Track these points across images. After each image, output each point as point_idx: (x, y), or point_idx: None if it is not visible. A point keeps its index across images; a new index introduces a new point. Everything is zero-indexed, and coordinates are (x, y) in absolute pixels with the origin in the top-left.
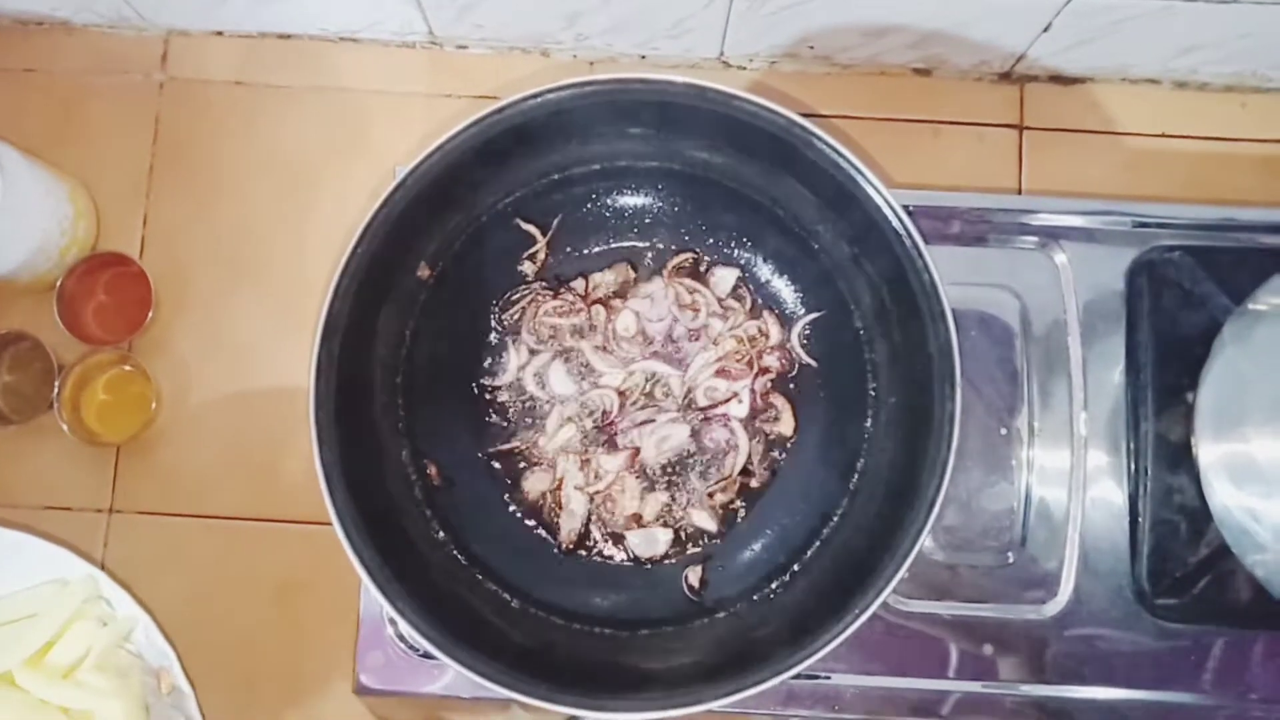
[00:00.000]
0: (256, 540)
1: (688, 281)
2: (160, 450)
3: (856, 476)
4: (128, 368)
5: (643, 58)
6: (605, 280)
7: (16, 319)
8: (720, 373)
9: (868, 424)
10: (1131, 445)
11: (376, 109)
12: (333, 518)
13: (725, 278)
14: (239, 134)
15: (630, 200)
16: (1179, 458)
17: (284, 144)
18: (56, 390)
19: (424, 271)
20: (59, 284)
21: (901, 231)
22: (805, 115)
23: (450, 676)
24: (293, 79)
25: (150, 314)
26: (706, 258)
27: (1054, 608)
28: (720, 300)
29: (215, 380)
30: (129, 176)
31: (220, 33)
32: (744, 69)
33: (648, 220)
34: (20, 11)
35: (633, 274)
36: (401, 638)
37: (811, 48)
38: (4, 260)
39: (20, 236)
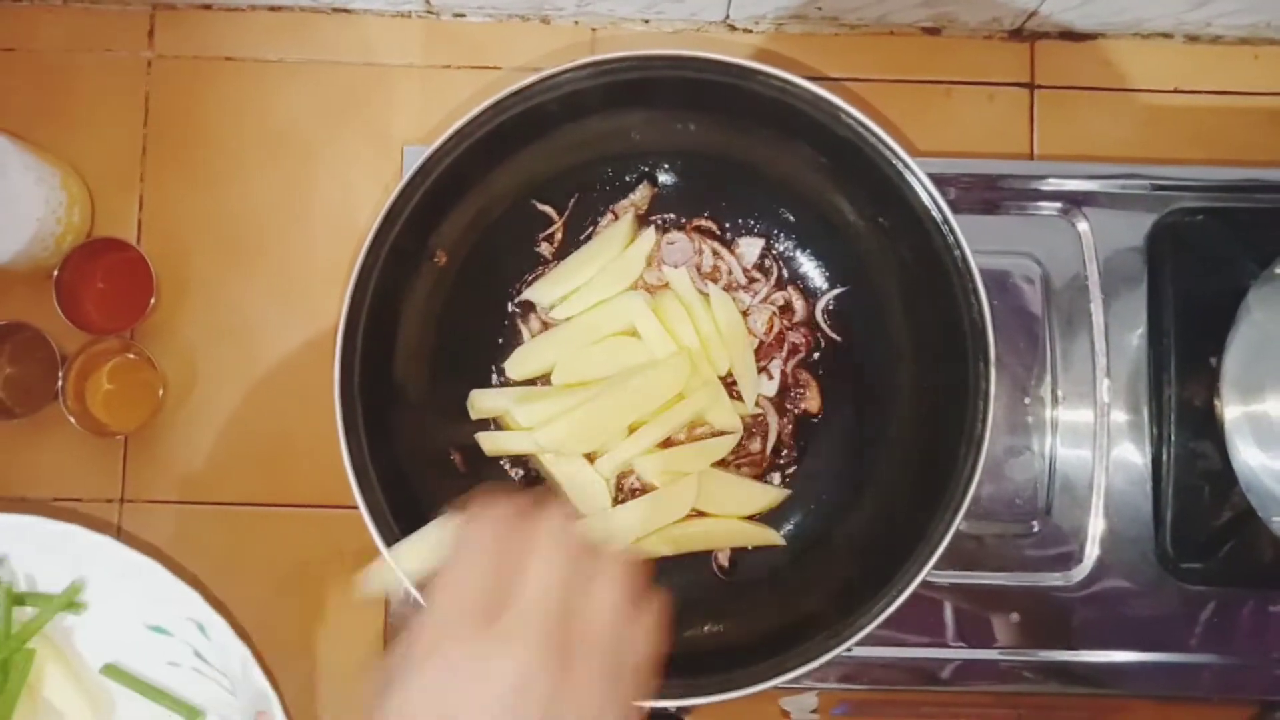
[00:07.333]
0: (271, 525)
1: (712, 243)
2: (169, 438)
3: (885, 455)
4: (131, 355)
5: (646, 22)
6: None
7: (15, 309)
8: (757, 351)
9: (895, 401)
10: (1154, 410)
11: (372, 82)
12: (364, 515)
13: (751, 247)
14: (232, 111)
15: (648, 177)
16: (1202, 422)
17: (279, 120)
18: (60, 381)
19: (440, 258)
20: (56, 272)
21: (930, 206)
22: (815, 79)
23: None
24: (285, 53)
25: (152, 300)
26: (729, 232)
27: (1079, 574)
28: (745, 270)
29: (221, 365)
30: (121, 159)
31: (208, 6)
32: (750, 31)
33: (667, 196)
34: None
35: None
36: None
37: (819, 8)
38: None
39: (15, 226)
